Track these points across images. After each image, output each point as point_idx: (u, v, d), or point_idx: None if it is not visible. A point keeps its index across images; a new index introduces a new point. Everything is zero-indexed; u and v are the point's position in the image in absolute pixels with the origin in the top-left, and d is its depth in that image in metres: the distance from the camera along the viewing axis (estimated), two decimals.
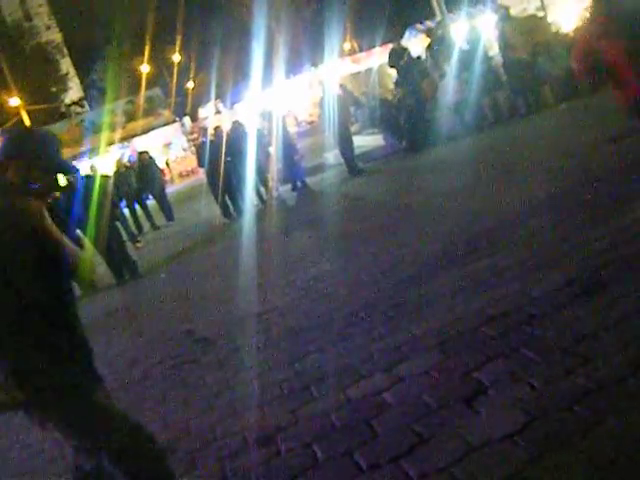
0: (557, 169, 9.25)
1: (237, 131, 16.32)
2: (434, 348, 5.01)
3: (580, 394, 3.81)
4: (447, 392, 4.34)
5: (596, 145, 9.77)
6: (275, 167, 15.90)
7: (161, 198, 19.78)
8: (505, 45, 16.89)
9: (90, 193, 12.05)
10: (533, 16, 23.06)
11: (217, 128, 17.06)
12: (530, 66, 16.27)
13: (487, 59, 16.64)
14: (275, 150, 15.69)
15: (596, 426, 3.51)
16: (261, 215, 15.32)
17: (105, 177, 13.64)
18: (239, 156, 15.42)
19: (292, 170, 16.41)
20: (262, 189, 16.70)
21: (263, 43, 29.75)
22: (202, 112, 43.68)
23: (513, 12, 22.83)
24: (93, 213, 11.91)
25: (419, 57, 19.05)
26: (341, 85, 16.13)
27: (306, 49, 36.65)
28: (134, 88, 47.25)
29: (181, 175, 39.54)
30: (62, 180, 3.38)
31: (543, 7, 30.41)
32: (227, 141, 15.98)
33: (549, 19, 24.66)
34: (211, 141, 16.15)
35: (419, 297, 6.23)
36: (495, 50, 18.10)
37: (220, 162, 15.48)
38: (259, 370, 5.72)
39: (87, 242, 11.74)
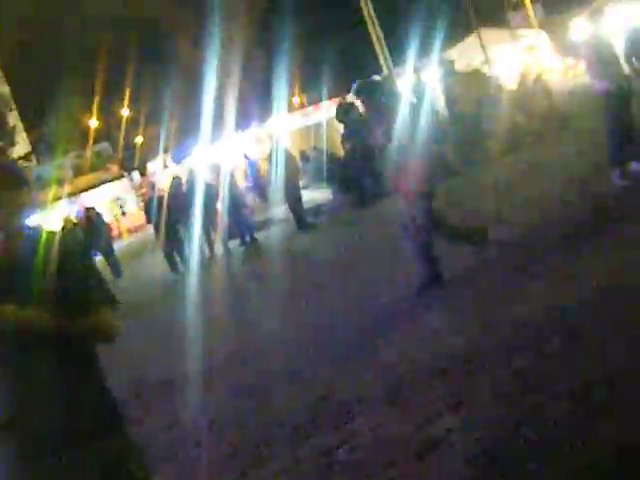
0: (510, 218, 9.37)
1: (186, 185, 16.30)
2: (385, 402, 4.99)
3: (529, 448, 3.82)
4: (399, 447, 4.32)
5: (545, 197, 9.95)
6: (221, 222, 15.83)
7: (108, 254, 19.55)
8: (450, 99, 17.19)
9: (35, 250, 11.91)
10: (477, 71, 23.57)
11: (174, 179, 17.07)
12: (474, 119, 16.57)
13: (433, 112, 16.88)
14: (222, 204, 15.63)
15: None
16: (209, 270, 15.23)
17: (51, 233, 13.47)
18: (187, 211, 15.35)
19: (240, 224, 16.39)
20: (213, 242, 16.61)
21: (213, 97, 29.85)
22: (151, 166, 43.59)
23: (458, 66, 23.35)
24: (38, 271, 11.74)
25: None
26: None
27: (255, 103, 36.93)
28: (82, 142, 47.04)
29: (129, 230, 39.23)
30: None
31: (487, 62, 31.24)
32: (174, 196, 15.95)
33: (493, 74, 25.31)
34: (159, 196, 16.12)
35: (368, 351, 6.22)
36: (441, 104, 18.42)
37: (168, 217, 15.42)
38: (208, 431, 5.63)
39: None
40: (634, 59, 9.21)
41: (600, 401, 4.02)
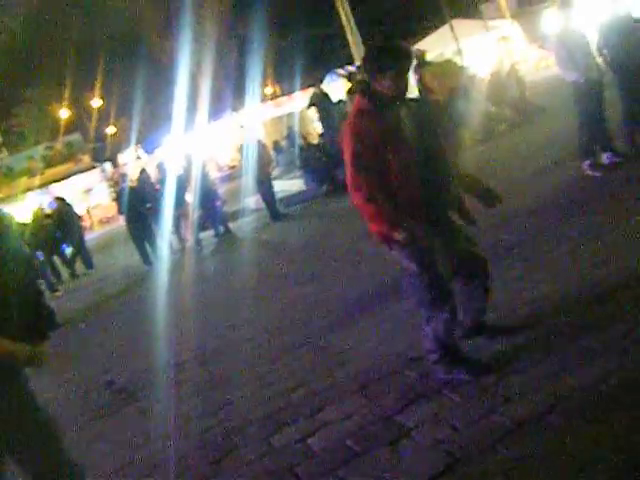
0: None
1: (157, 177, 16.21)
2: (356, 392, 5.00)
3: (501, 433, 3.86)
4: (370, 436, 4.34)
5: (513, 183, 10.01)
6: (192, 214, 15.73)
7: (80, 246, 19.34)
8: (423, 88, 17.22)
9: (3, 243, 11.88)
10: (449, 61, 23.63)
11: (141, 172, 16.92)
12: (447, 109, 16.61)
13: None
14: (193, 196, 15.54)
15: (517, 465, 3.55)
16: (182, 262, 15.17)
17: (22, 225, 13.40)
18: (158, 202, 15.25)
19: (213, 216, 16.33)
20: (183, 234, 16.53)
21: (184, 88, 29.71)
22: (122, 158, 43.28)
23: (430, 57, 23.35)
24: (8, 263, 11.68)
25: (340, 101, 19.28)
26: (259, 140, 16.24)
27: (228, 93, 36.78)
28: (53, 133, 46.55)
29: (101, 222, 38.91)
30: None
31: (460, 52, 31.34)
32: (146, 187, 15.85)
33: (465, 63, 25.40)
34: (131, 187, 15.99)
35: (340, 341, 6.22)
36: (414, 94, 18.43)
37: (140, 208, 15.32)
38: (181, 421, 5.60)
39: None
40: (605, 51, 9.22)
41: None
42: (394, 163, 4.39)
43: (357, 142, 4.41)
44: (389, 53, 4.44)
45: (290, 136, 27.44)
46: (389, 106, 4.46)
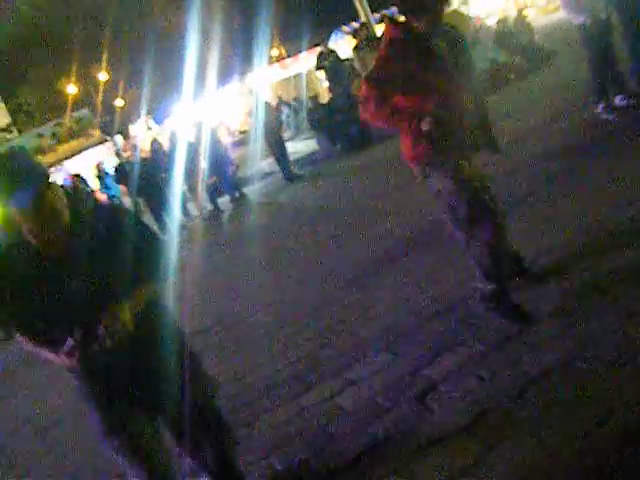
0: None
1: (169, 146, 16.17)
2: (383, 348, 5.04)
3: (527, 382, 3.89)
4: (399, 391, 4.38)
5: (532, 131, 9.94)
6: (204, 181, 15.71)
7: None
8: None
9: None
10: (456, 11, 23.38)
11: (153, 142, 16.90)
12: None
13: None
14: (206, 163, 15.50)
15: (544, 412, 3.58)
16: (199, 229, 15.22)
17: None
18: (171, 171, 15.23)
19: (227, 181, 16.31)
20: (200, 200, 16.55)
21: (192, 55, 29.51)
22: (133, 129, 43.17)
23: None
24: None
25: (347, 59, 19.14)
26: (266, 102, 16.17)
27: (235, 58, 36.49)
28: (62, 110, 46.47)
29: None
30: None
31: (466, 1, 31.01)
32: (156, 158, 15.82)
33: (472, 14, 25.13)
34: (143, 158, 15.97)
35: (363, 299, 6.25)
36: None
37: (154, 179, 15.31)
38: None
39: None
40: None
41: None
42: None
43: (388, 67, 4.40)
44: None
45: (297, 98, 27.41)
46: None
